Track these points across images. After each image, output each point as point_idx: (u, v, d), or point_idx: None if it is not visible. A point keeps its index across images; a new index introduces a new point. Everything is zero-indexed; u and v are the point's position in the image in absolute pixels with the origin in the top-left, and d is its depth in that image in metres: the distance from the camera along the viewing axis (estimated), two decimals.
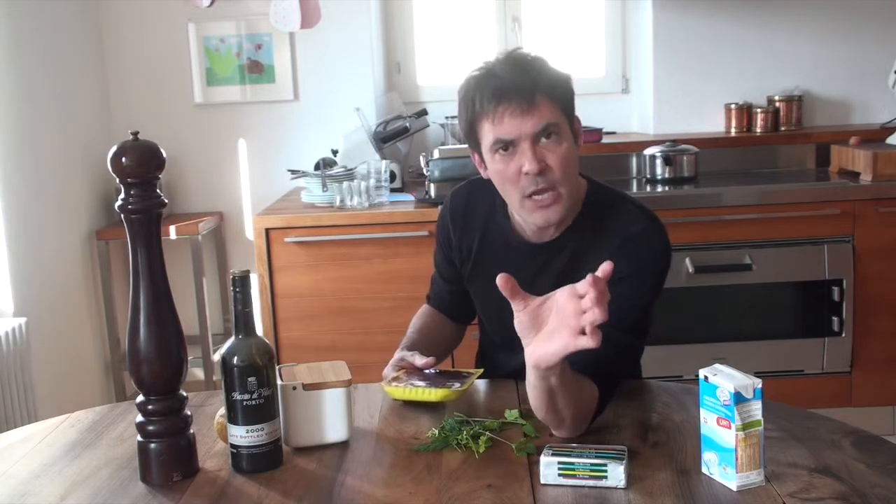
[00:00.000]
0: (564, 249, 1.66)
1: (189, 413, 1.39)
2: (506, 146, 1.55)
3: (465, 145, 1.70)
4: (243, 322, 1.36)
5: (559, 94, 1.56)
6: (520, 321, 1.31)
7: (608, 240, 1.59)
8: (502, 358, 1.84)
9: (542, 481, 1.28)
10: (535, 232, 1.68)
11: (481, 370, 1.71)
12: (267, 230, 3.12)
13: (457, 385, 1.58)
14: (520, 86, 1.52)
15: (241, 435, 1.35)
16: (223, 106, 3.74)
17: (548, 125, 1.53)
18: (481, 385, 1.72)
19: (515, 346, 1.77)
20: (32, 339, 2.92)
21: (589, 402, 1.44)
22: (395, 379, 1.63)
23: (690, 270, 3.13)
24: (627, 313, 1.53)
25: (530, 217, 1.61)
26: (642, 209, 1.68)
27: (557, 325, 1.26)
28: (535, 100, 1.52)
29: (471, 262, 1.80)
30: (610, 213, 1.65)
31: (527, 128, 1.53)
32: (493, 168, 1.60)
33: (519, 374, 1.75)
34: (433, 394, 1.56)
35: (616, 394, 1.53)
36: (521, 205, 1.59)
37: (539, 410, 1.42)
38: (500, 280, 1.28)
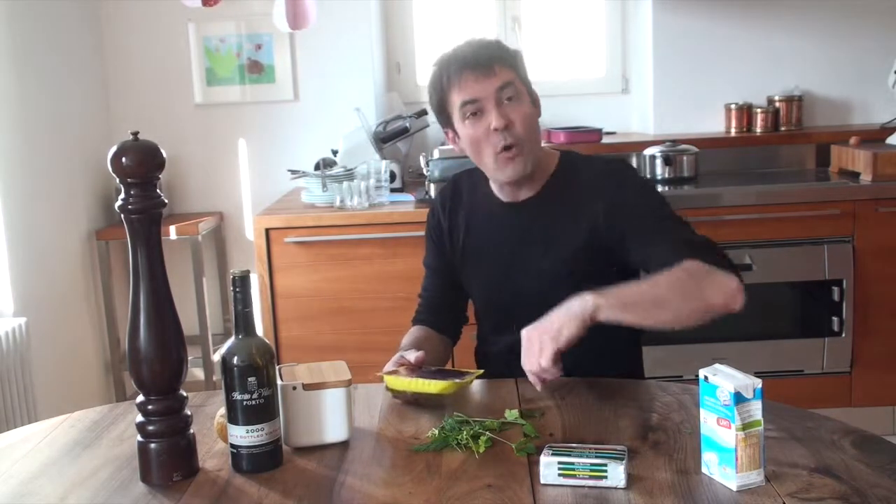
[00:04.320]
0: (545, 205, 1.80)
1: (189, 413, 1.39)
2: (474, 110, 1.73)
3: None
4: (243, 322, 1.36)
5: (515, 62, 1.77)
6: None
7: (585, 185, 1.77)
8: (498, 341, 1.86)
9: (542, 481, 1.28)
10: (511, 192, 1.83)
11: (482, 371, 1.71)
12: (267, 230, 3.11)
13: (457, 380, 1.57)
14: (479, 57, 1.74)
15: (241, 435, 1.36)
16: (223, 106, 3.74)
17: (507, 83, 1.73)
18: (481, 385, 1.72)
19: (508, 326, 1.78)
20: (32, 339, 2.92)
21: (682, 269, 1.56)
22: (395, 372, 1.62)
23: None
24: (660, 209, 1.73)
25: (502, 173, 1.77)
26: (612, 159, 1.90)
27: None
28: (494, 67, 1.73)
29: (461, 238, 1.90)
30: (582, 167, 1.83)
31: (490, 87, 1.72)
32: (466, 134, 1.76)
33: (514, 353, 1.75)
34: (432, 385, 1.54)
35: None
36: (495, 162, 1.75)
37: (652, 315, 1.55)
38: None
